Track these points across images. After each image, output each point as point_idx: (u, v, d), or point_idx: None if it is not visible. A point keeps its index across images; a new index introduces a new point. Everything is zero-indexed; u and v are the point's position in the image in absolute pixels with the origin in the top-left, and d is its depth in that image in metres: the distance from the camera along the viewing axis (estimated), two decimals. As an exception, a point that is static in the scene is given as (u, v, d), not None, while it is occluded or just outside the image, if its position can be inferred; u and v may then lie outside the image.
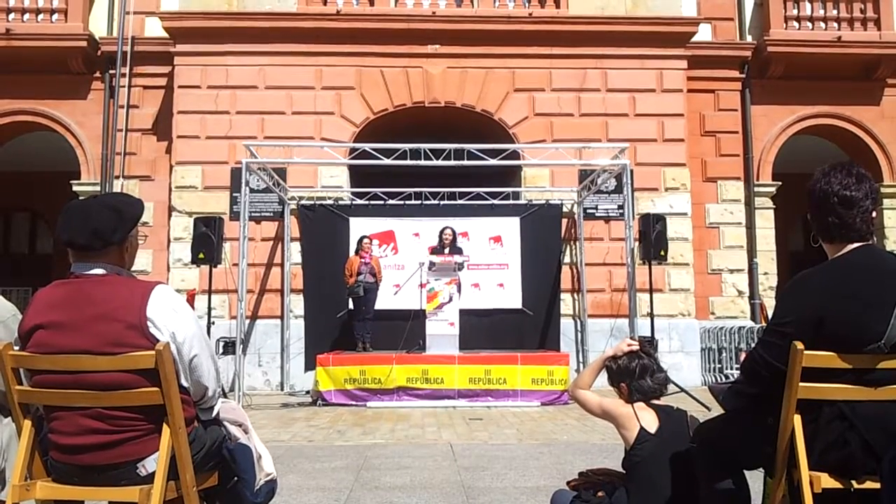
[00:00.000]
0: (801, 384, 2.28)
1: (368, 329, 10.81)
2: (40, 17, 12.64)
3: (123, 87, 12.49)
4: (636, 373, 2.85)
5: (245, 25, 12.12)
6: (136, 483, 2.27)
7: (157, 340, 2.26)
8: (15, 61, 12.22)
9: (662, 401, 2.88)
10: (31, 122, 12.79)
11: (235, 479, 2.58)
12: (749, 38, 13.34)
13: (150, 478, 2.27)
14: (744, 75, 13.16)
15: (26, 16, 12.61)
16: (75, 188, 12.53)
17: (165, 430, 2.28)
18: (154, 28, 12.56)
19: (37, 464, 2.40)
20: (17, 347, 2.37)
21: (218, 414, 2.60)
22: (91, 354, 2.23)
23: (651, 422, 2.74)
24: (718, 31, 13.34)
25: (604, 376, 2.99)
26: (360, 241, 11.01)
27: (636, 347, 2.93)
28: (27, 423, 2.39)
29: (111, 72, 12.59)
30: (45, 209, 16.84)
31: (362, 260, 10.79)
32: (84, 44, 12.34)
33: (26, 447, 2.36)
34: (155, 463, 2.27)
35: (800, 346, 2.25)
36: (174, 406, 2.27)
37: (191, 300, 10.70)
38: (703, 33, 12.97)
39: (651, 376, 2.85)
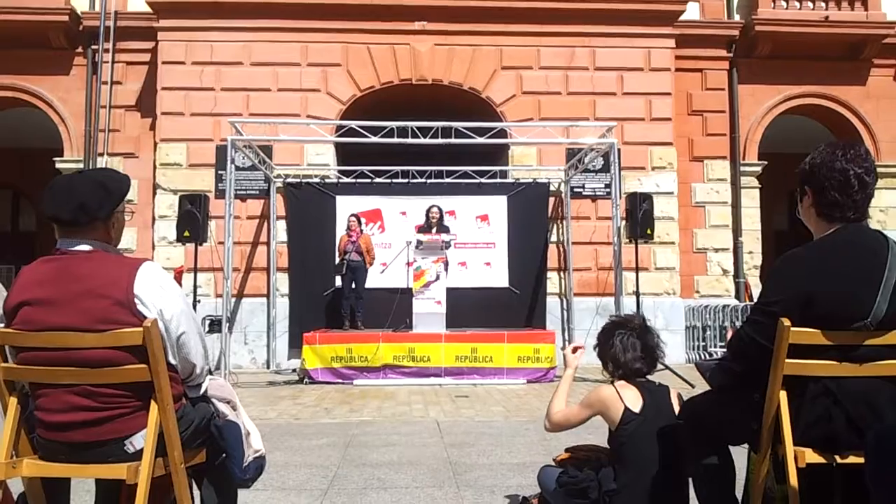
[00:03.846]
0: (787, 361, 2.29)
1: (360, 307, 10.81)
2: (21, -10, 12.42)
3: (106, 62, 12.33)
4: (616, 351, 2.87)
5: (230, 0, 11.96)
6: (124, 460, 2.26)
7: (145, 317, 2.25)
8: (-5, 36, 12.02)
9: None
10: (12, 97, 12.61)
11: (224, 455, 2.58)
12: (737, 17, 13.33)
13: (137, 455, 2.26)
14: (731, 54, 13.16)
15: (6, -11, 12.39)
16: (58, 165, 12.39)
17: (153, 406, 2.27)
18: (137, 3, 12.37)
19: (23, 441, 2.38)
20: (2, 325, 2.35)
21: (206, 391, 2.59)
22: (78, 331, 2.22)
23: (634, 400, 2.75)
24: (706, 9, 13.31)
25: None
26: (347, 220, 11.00)
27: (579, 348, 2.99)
28: (13, 401, 2.37)
29: (94, 47, 12.42)
30: (27, 186, 16.67)
31: (349, 238, 10.79)
32: (65, 18, 12.16)
33: (12, 424, 2.35)
34: (143, 440, 2.27)
35: (786, 322, 2.26)
36: (162, 383, 2.26)
37: (178, 277, 10.65)
38: (692, 12, 12.94)
39: (625, 353, 2.86)
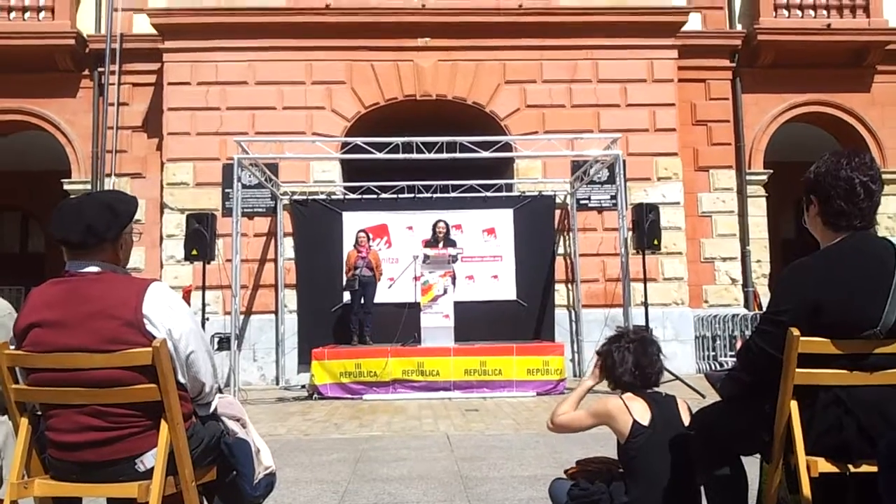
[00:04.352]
0: (797, 370, 2.29)
1: (369, 322, 10.84)
2: (27, 15, 12.57)
3: (113, 84, 12.43)
4: (610, 364, 2.86)
5: (234, 21, 12.06)
6: (135, 479, 2.27)
7: (154, 337, 2.26)
8: (2, 60, 12.12)
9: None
10: (20, 121, 12.72)
11: (234, 473, 2.58)
12: (739, 27, 13.36)
13: (148, 473, 2.27)
14: (734, 64, 13.17)
15: (13, 14, 12.53)
16: (66, 187, 12.47)
17: (163, 426, 2.28)
18: (142, 25, 12.48)
19: (35, 461, 2.39)
20: (12, 346, 2.36)
21: (216, 409, 2.60)
22: (88, 352, 2.23)
23: (643, 412, 2.73)
24: (708, 20, 13.35)
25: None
26: (356, 236, 11.03)
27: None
28: (24, 421, 2.38)
29: (100, 69, 12.52)
30: (36, 208, 16.76)
31: (359, 254, 10.83)
32: (72, 41, 12.27)
33: (24, 445, 2.36)
34: (153, 459, 2.27)
35: (796, 332, 2.25)
36: (172, 402, 2.27)
37: (187, 296, 10.67)
38: (693, 22, 12.97)
39: (617, 367, 2.84)
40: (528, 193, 12.31)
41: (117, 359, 2.23)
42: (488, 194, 12.20)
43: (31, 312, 2.33)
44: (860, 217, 2.36)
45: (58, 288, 2.35)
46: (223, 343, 10.03)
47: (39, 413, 2.41)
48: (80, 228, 2.33)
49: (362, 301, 10.84)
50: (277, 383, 11.56)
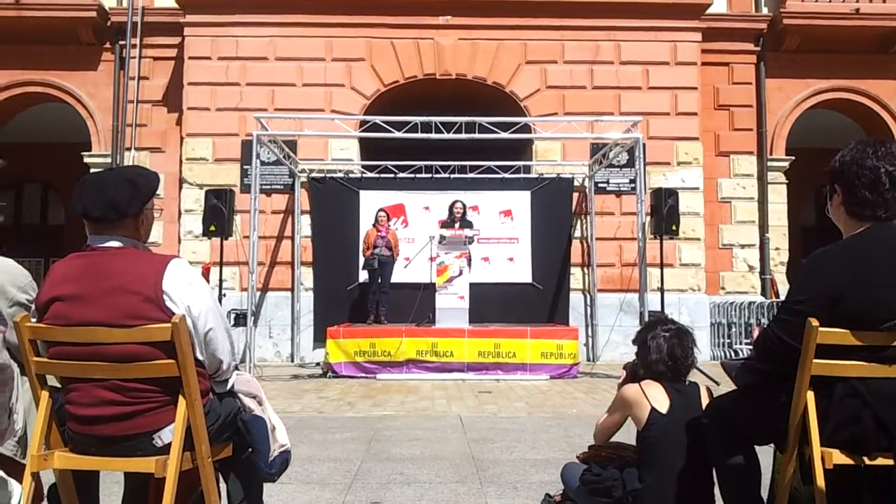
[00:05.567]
0: (815, 361, 2.27)
1: (385, 302, 10.86)
2: (50, -14, 12.57)
3: (134, 58, 12.46)
4: (645, 352, 2.85)
5: (255, -4, 12.03)
6: (152, 454, 2.29)
7: (173, 313, 2.27)
8: (25, 32, 12.19)
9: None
10: (41, 93, 12.80)
11: (250, 450, 2.60)
12: (765, 10, 13.16)
13: (165, 449, 2.29)
14: (759, 48, 12.99)
15: (36, -14, 12.55)
16: (86, 160, 12.56)
17: (181, 401, 2.30)
18: (164, -2, 12.49)
19: (54, 434, 2.42)
20: (34, 319, 2.39)
21: (233, 386, 2.62)
22: (107, 327, 2.25)
23: (662, 400, 2.73)
24: (734, 2, 13.16)
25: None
26: (376, 215, 11.03)
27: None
28: (45, 395, 2.41)
29: (121, 43, 12.55)
30: (56, 180, 16.89)
31: (378, 233, 10.82)
32: (94, 14, 12.30)
33: (44, 418, 2.39)
34: (171, 434, 2.29)
35: (815, 322, 2.24)
36: (190, 378, 2.29)
37: (206, 273, 10.73)
38: (718, 5, 12.78)
39: (650, 355, 2.83)
40: (546, 175, 12.26)
41: (137, 334, 2.25)
42: (506, 176, 12.16)
43: (52, 286, 2.36)
44: (884, 207, 2.34)
45: (79, 262, 2.37)
46: (239, 319, 10.08)
47: (59, 386, 2.44)
48: (103, 203, 2.35)
49: (379, 280, 10.86)
50: (292, 360, 11.65)
